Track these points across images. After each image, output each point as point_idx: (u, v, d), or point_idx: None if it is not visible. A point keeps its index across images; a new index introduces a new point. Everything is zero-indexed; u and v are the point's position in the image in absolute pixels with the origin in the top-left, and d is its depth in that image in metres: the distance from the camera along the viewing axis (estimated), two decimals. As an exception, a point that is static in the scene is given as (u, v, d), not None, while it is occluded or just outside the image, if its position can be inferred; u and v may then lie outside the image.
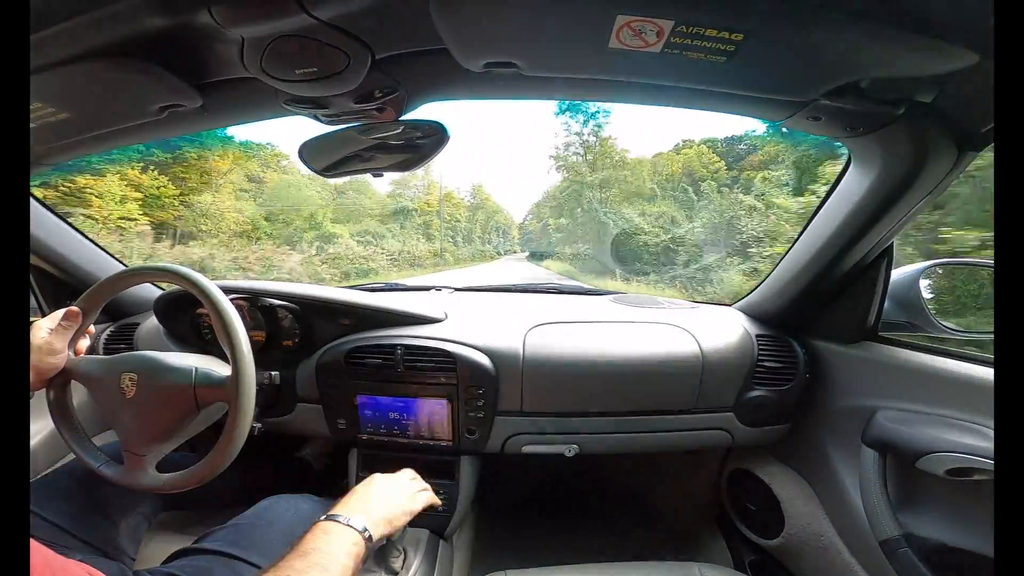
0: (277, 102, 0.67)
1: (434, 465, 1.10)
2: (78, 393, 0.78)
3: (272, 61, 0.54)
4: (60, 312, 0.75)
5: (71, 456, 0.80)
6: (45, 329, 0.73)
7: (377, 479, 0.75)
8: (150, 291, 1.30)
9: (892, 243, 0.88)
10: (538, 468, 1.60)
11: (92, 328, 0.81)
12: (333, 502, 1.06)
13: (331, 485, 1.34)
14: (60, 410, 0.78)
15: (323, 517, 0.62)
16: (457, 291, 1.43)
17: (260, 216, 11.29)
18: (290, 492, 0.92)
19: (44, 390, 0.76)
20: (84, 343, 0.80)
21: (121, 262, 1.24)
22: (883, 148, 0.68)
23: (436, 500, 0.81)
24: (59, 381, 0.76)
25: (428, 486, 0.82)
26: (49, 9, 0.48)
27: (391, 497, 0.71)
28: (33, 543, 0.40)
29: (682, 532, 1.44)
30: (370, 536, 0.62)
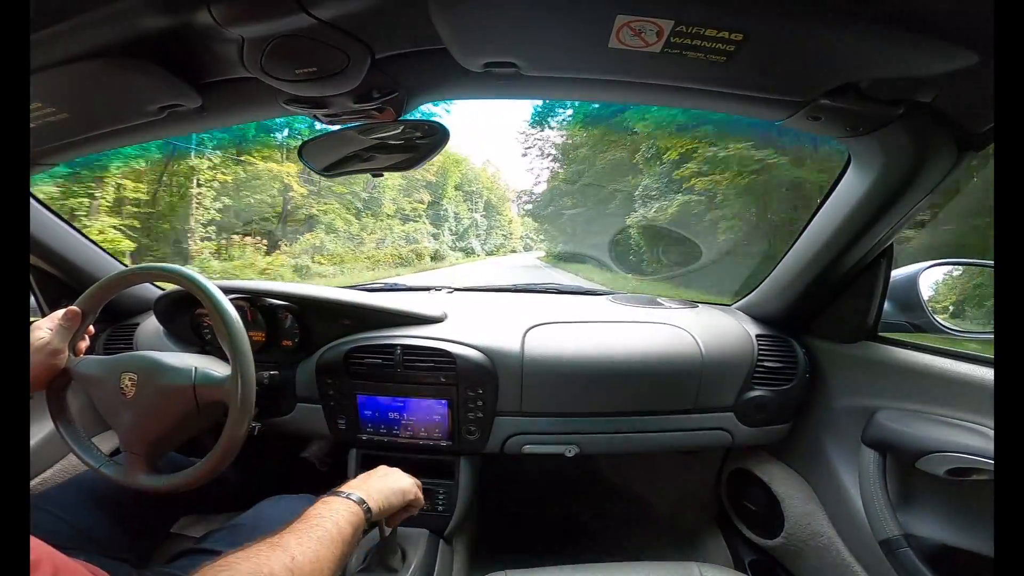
0: (277, 102, 0.66)
1: (434, 465, 1.11)
2: (78, 394, 0.78)
3: (272, 61, 0.54)
4: (59, 313, 0.75)
5: (73, 460, 0.80)
6: (45, 330, 0.73)
7: (376, 469, 0.79)
8: (150, 291, 1.30)
9: (892, 243, 0.88)
10: (538, 468, 1.60)
11: (92, 329, 0.81)
12: None
13: (332, 485, 1.34)
14: (60, 411, 0.78)
15: (326, 494, 0.66)
16: (456, 291, 1.43)
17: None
18: (294, 493, 0.92)
19: (44, 391, 0.76)
20: (83, 344, 0.80)
21: (121, 262, 1.24)
22: (883, 148, 0.68)
23: (421, 498, 0.81)
24: (59, 382, 0.76)
25: (419, 483, 0.83)
26: (49, 9, 0.48)
27: (386, 478, 0.75)
28: (37, 542, 0.40)
29: (682, 532, 1.44)
30: (368, 508, 0.65)
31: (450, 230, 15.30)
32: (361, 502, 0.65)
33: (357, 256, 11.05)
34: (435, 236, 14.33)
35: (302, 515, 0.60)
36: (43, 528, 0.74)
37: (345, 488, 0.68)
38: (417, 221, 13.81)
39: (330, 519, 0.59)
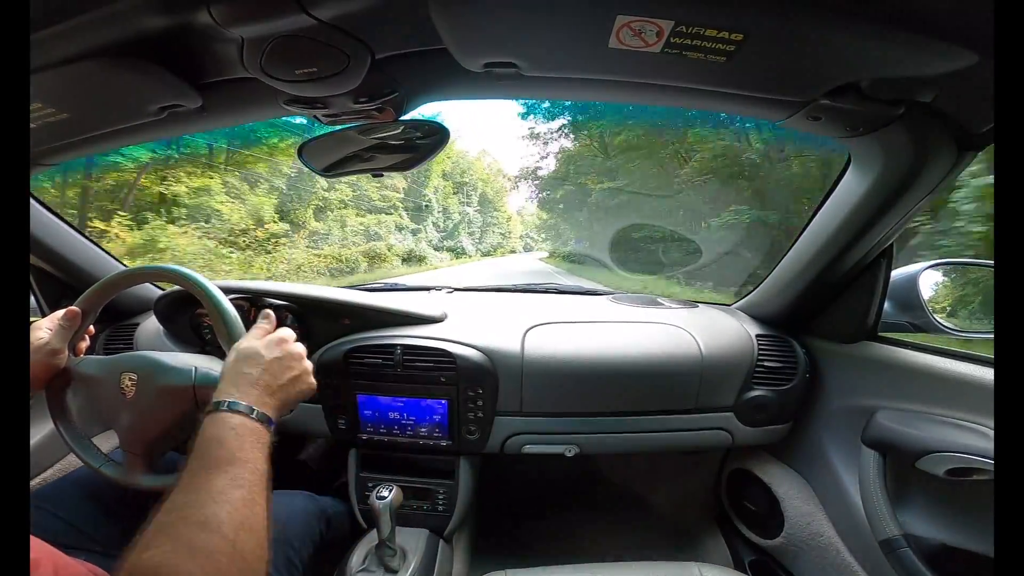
0: (277, 102, 0.67)
1: (434, 465, 1.11)
2: (78, 394, 0.78)
3: (271, 61, 0.54)
4: (60, 312, 0.75)
5: (73, 460, 0.80)
6: (45, 329, 0.73)
7: (253, 353, 0.64)
8: (150, 291, 1.30)
9: (892, 243, 0.88)
10: (538, 468, 1.60)
11: (92, 328, 0.81)
12: (328, 500, 1.06)
13: (327, 483, 1.34)
14: (59, 411, 0.78)
15: (225, 406, 0.55)
16: (456, 291, 1.43)
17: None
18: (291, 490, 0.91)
19: (43, 391, 0.76)
20: (83, 344, 0.80)
21: (121, 262, 1.24)
22: (883, 148, 0.68)
23: (312, 381, 0.68)
24: (59, 382, 0.76)
25: (303, 351, 0.69)
26: (49, 9, 0.48)
27: (279, 374, 0.64)
28: (37, 541, 0.40)
29: (682, 532, 1.44)
30: (271, 422, 0.59)
31: (435, 226, 12.27)
32: (265, 420, 0.57)
33: (251, 262, 7.03)
34: (414, 232, 11.42)
35: (212, 452, 0.51)
36: (39, 526, 0.73)
37: (238, 398, 0.56)
38: (391, 213, 10.67)
39: (250, 465, 0.51)
